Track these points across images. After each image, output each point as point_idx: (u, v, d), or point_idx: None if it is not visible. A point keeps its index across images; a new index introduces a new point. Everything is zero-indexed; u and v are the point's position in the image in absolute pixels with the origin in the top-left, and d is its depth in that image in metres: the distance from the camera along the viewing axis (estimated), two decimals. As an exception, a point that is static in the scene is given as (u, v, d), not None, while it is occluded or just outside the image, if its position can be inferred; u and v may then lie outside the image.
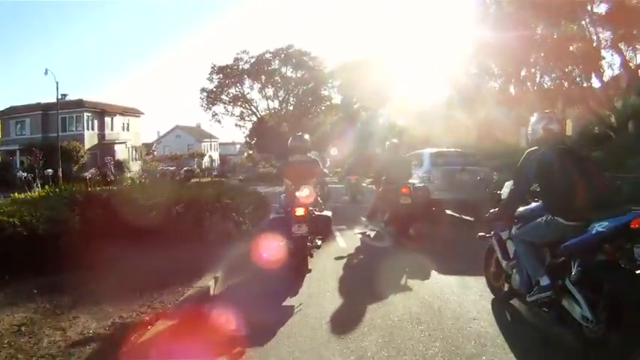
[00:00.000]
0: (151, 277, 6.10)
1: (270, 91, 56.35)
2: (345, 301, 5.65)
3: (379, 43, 74.18)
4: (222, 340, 4.26)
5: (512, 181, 4.76)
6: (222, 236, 8.49)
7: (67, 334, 4.33)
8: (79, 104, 45.19)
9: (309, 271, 6.87)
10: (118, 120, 49.78)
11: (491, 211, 5.09)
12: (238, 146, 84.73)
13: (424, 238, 10.06)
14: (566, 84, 21.59)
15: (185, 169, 49.46)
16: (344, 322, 4.86)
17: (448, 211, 13.20)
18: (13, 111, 46.11)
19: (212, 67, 56.13)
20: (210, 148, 74.91)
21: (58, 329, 4.45)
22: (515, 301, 5.04)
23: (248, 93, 57.01)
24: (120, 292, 5.55)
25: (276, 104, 56.96)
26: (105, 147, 46.58)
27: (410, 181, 10.44)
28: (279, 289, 6.09)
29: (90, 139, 45.58)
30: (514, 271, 4.79)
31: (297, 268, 6.69)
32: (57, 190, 9.67)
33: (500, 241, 5.18)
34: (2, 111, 46.99)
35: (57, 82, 35.85)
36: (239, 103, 57.36)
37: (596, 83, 21.37)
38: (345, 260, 8.03)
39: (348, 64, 46.47)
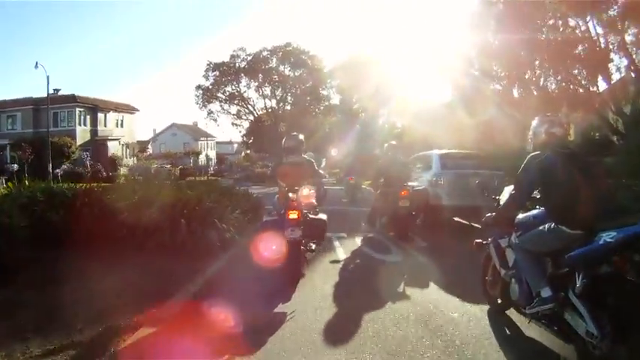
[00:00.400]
0: (85, 306, 4.93)
1: (267, 90, 55.93)
2: (339, 308, 5.53)
3: (379, 42, 74.31)
4: (210, 349, 4.11)
5: (512, 186, 4.59)
6: (201, 247, 7.64)
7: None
8: (71, 99, 44.94)
9: (303, 276, 6.73)
10: (112, 116, 49.55)
11: (488, 215, 4.94)
12: (236, 145, 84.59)
13: (427, 245, 9.53)
14: (571, 87, 21.48)
15: (180, 167, 49.37)
16: (337, 330, 4.76)
17: (456, 219, 12.26)
18: (3, 105, 45.74)
19: (208, 64, 55.68)
20: (207, 147, 74.79)
21: None
22: (511, 312, 4.91)
23: (245, 91, 56.65)
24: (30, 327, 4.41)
25: (273, 103, 56.64)
26: (98, 143, 46.45)
27: (409, 183, 10.43)
28: (270, 295, 5.94)
29: (82, 135, 45.25)
30: (513, 280, 4.63)
31: (290, 273, 6.50)
32: (21, 188, 8.99)
33: (498, 248, 5.02)
34: None
35: (47, 76, 36.02)
36: (235, 102, 56.90)
37: (602, 86, 21.25)
38: (340, 265, 7.93)
39: (348, 63, 46.42)
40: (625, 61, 19.41)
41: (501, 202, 4.97)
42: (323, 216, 7.20)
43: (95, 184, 10.41)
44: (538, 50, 20.57)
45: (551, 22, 20.42)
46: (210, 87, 55.80)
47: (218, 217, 8.30)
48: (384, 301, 5.64)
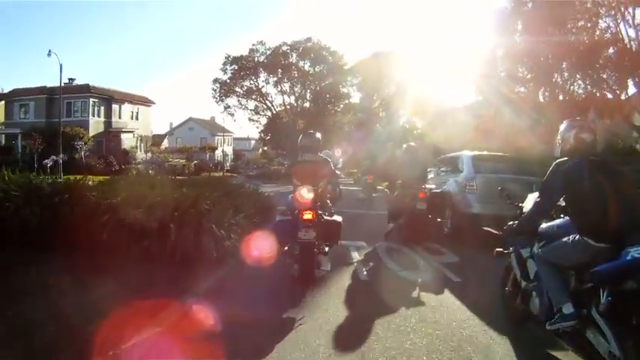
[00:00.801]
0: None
1: (286, 86, 55.64)
2: (351, 313, 5.44)
3: (402, 40, 74.11)
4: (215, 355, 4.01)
5: (536, 193, 4.44)
6: (194, 256, 6.66)
7: None
8: (85, 89, 45.10)
9: (316, 280, 6.57)
10: (127, 108, 49.69)
11: (510, 223, 4.79)
12: (253, 142, 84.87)
13: (458, 261, 8.44)
14: (597, 92, 21.17)
15: (194, 162, 49.62)
16: (348, 336, 4.66)
17: (486, 228, 10.59)
18: (17, 94, 46.18)
19: (226, 58, 55.32)
20: (224, 143, 75.07)
21: None
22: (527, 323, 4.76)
23: (263, 86, 56.35)
24: None
25: (292, 100, 56.37)
26: (111, 135, 46.59)
27: (427, 186, 10.40)
28: (279, 298, 5.91)
29: (95, 126, 45.37)
30: (534, 293, 4.48)
31: (301, 276, 6.42)
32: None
33: (519, 258, 4.87)
34: (6, 93, 47.17)
35: (61, 65, 36.15)
36: (253, 97, 56.62)
37: (632, 91, 20.86)
38: (353, 268, 7.72)
39: (369, 61, 46.24)
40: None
41: (525, 210, 4.82)
42: (338, 218, 7.08)
43: (92, 178, 9.69)
44: (566, 52, 20.27)
45: (580, 23, 20.11)
46: (228, 81, 55.54)
47: (217, 222, 7.27)
48: (397, 307, 5.54)
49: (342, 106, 55.83)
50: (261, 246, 6.78)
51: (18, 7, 79.41)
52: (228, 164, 63.59)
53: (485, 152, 12.65)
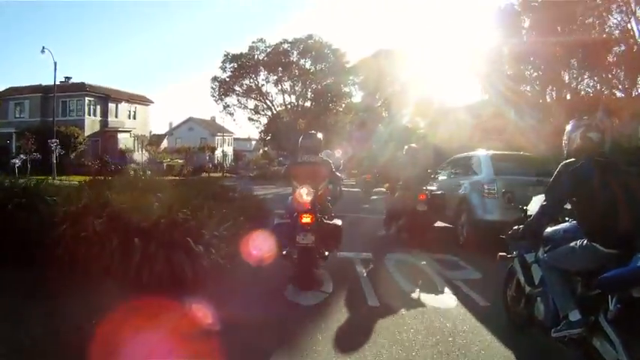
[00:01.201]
0: None
1: (286, 85, 55.28)
2: (350, 315, 5.43)
3: (406, 39, 74.18)
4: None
5: (541, 196, 4.34)
6: (164, 277, 5.52)
7: None
8: (81, 88, 44.90)
9: (314, 284, 6.44)
10: (124, 107, 49.50)
11: (515, 228, 4.70)
12: (254, 142, 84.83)
13: (481, 277, 7.33)
14: (605, 90, 21.11)
15: (193, 162, 49.64)
16: (347, 340, 4.65)
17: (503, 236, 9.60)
18: (12, 92, 45.98)
19: (225, 55, 54.83)
20: (224, 143, 75.10)
21: None
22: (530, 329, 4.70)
23: (263, 85, 55.90)
24: None
25: (292, 99, 55.99)
26: (107, 135, 46.40)
27: (428, 187, 10.39)
28: (277, 302, 5.77)
29: (91, 125, 45.14)
30: (539, 299, 4.42)
31: (300, 281, 6.36)
32: None
33: (524, 263, 4.79)
34: (1, 92, 46.88)
35: (55, 62, 35.80)
36: (253, 96, 56.20)
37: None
38: (359, 287, 6.68)
39: (372, 60, 46.14)
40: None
41: (529, 213, 4.74)
42: (338, 221, 7.01)
43: (71, 179, 9.35)
44: (575, 50, 20.21)
45: (589, 20, 20.05)
46: (227, 79, 55.19)
47: (195, 234, 6.23)
48: (397, 311, 5.52)
49: (343, 105, 55.61)
50: (253, 258, 6.62)
51: (17, 4, 79.24)
52: (228, 165, 63.59)
53: (504, 152, 12.06)
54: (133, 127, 49.43)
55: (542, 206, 4.21)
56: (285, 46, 53.79)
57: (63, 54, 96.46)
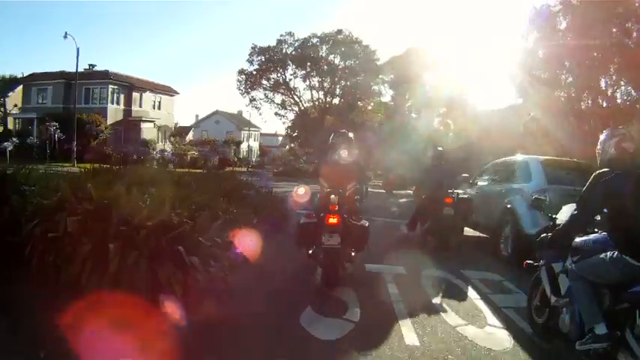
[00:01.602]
0: None
1: (314, 80, 54.97)
2: (363, 321, 5.24)
3: (438, 38, 73.54)
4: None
5: (572, 205, 4.31)
6: (145, 293, 4.37)
7: None
8: (105, 75, 45.00)
9: (338, 285, 6.39)
10: (148, 97, 49.53)
11: (543, 235, 4.67)
12: (280, 138, 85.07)
13: (520, 291, 6.55)
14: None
15: (219, 156, 49.82)
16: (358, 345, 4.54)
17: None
18: (35, 78, 46.34)
19: (252, 48, 54.49)
20: (250, 138, 75.45)
21: None
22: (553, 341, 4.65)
23: (290, 80, 55.73)
24: None
25: (320, 95, 55.71)
26: (130, 124, 46.32)
27: (455, 191, 10.25)
28: (290, 335, 4.85)
29: (114, 113, 45.11)
30: (564, 310, 4.40)
31: (325, 282, 6.41)
32: None
33: (550, 272, 4.76)
34: (25, 77, 47.49)
35: (78, 48, 36.93)
36: (280, 90, 56.13)
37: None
38: (394, 317, 5.55)
39: (403, 58, 45.75)
40: None
41: (558, 222, 4.70)
42: (365, 222, 7.01)
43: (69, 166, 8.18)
44: (613, 54, 19.84)
45: (629, 25, 19.65)
46: (254, 72, 54.99)
47: (189, 241, 5.00)
48: (415, 317, 5.40)
49: (372, 104, 55.37)
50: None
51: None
52: (253, 160, 63.81)
53: (556, 157, 11.15)
54: (157, 117, 49.44)
55: (572, 215, 4.19)
56: (314, 40, 53.45)
57: (89, 43, 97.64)
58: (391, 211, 15.80)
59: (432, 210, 9.90)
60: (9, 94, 46.72)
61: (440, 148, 10.91)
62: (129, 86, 47.03)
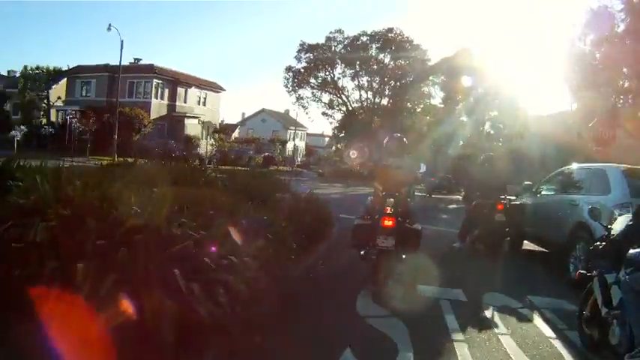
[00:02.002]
0: None
1: (363, 80, 54.41)
2: (411, 327, 5.18)
3: (491, 39, 72.34)
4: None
5: (627, 215, 4.27)
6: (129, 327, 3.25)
7: None
8: (149, 70, 45.28)
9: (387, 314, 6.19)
10: (193, 93, 49.76)
11: (596, 244, 4.63)
12: (327, 139, 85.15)
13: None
14: None
15: (265, 154, 50.18)
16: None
17: None
18: (80, 70, 47.01)
19: (301, 45, 54.12)
20: (297, 137, 75.79)
21: None
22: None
23: (339, 79, 55.33)
24: None
25: (369, 95, 55.09)
26: (174, 119, 46.77)
27: (508, 197, 10.29)
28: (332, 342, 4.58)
29: (157, 108, 45.36)
30: (615, 322, 4.33)
31: (377, 283, 6.59)
32: None
33: (603, 283, 4.68)
34: (69, 70, 48.31)
35: (122, 41, 36.06)
36: (328, 89, 55.76)
37: None
38: (442, 321, 5.61)
39: (455, 59, 45.11)
40: None
41: (613, 232, 4.65)
42: (418, 226, 7.13)
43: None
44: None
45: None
46: (302, 70, 54.84)
47: (190, 262, 3.93)
48: (465, 330, 5.32)
49: (422, 106, 54.71)
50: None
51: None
52: (299, 159, 64.04)
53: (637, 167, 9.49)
54: (202, 113, 49.66)
55: (627, 226, 4.15)
56: (364, 39, 52.87)
57: (135, 37, 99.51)
58: (441, 218, 15.81)
59: (483, 216, 9.90)
60: (53, 87, 47.73)
61: (491, 153, 10.85)
62: (174, 81, 47.27)
